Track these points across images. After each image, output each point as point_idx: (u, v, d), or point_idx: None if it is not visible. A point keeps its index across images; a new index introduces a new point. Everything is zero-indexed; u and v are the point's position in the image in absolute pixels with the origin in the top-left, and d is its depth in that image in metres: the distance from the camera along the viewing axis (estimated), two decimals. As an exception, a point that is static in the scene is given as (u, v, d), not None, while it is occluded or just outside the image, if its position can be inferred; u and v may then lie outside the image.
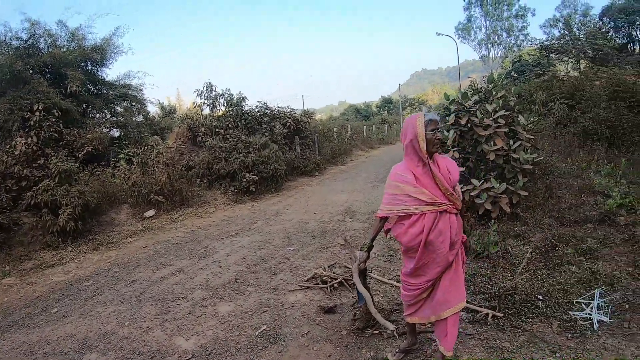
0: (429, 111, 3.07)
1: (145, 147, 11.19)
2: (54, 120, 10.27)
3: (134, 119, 14.36)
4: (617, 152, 10.50)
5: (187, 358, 3.81)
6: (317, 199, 11.05)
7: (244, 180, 11.59)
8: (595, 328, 3.77)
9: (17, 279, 6.64)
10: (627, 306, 4.09)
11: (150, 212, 9.66)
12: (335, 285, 5.11)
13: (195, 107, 15.07)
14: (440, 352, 3.17)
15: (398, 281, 5.02)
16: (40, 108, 10.08)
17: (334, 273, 5.45)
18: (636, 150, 10.54)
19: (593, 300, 4.05)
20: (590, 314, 3.91)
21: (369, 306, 3.44)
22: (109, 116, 13.70)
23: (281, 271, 5.86)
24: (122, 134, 13.40)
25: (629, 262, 4.96)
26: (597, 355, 3.44)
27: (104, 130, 12.96)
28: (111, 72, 42.55)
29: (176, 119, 19.34)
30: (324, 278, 5.26)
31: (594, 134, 11.35)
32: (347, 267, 5.68)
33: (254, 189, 11.64)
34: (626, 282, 4.51)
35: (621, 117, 11.38)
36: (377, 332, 3.96)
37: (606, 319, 3.85)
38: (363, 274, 3.72)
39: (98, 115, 13.47)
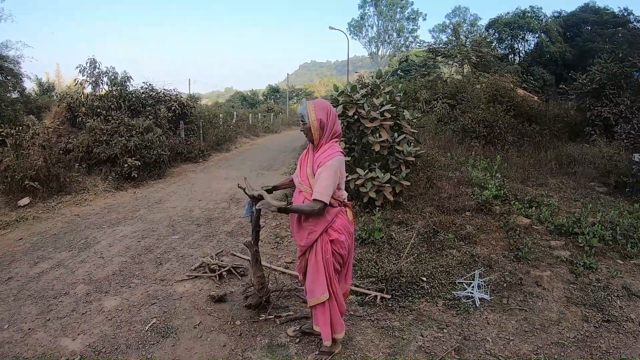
0: (301, 105, 3.30)
1: (20, 128, 10.02)
2: None
3: (8, 95, 12.79)
4: (493, 149, 11.56)
5: (75, 360, 3.52)
6: (202, 186, 10.77)
7: (126, 165, 10.80)
8: (477, 305, 4.17)
9: None
10: (504, 285, 4.58)
11: (25, 200, 8.75)
12: (224, 273, 5.01)
13: (76, 84, 13.67)
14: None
15: (286, 267, 5.15)
16: None
17: (221, 261, 5.36)
18: (510, 148, 11.66)
19: (474, 280, 4.43)
20: (472, 293, 4.28)
21: (265, 198, 3.24)
22: (-20, 90, 12.16)
23: (167, 261, 5.62)
24: (-6, 111, 11.94)
25: (504, 246, 5.51)
26: (481, 329, 3.80)
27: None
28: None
29: (55, 97, 17.52)
30: (211, 267, 5.13)
31: (472, 132, 12.39)
32: (235, 255, 5.66)
33: (136, 175, 10.92)
34: (502, 264, 5.04)
35: (498, 119, 12.53)
36: (270, 317, 3.99)
37: (487, 297, 4.28)
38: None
39: (-32, 89, 11.92)
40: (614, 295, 4.41)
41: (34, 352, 3.64)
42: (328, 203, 3.05)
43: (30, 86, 17.47)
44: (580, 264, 4.94)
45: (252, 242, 3.88)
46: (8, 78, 13.00)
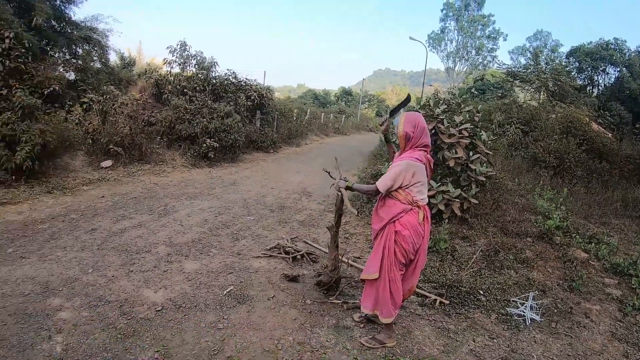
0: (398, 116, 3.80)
1: (107, 96, 10.78)
2: (23, 50, 9.56)
3: (92, 64, 13.58)
4: (561, 181, 11.37)
5: (156, 310, 3.85)
6: (274, 175, 11.19)
7: (204, 145, 11.51)
8: (527, 324, 4.39)
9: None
10: (555, 310, 4.75)
11: (108, 163, 9.46)
12: (298, 257, 5.34)
13: (165, 63, 14.64)
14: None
15: (354, 260, 5.43)
16: (11, 36, 9.35)
17: (296, 246, 5.70)
18: (577, 183, 11.44)
19: (527, 301, 4.64)
20: (524, 312, 4.50)
21: (344, 196, 3.87)
22: (68, 57, 12.90)
23: (243, 238, 6.01)
24: (78, 78, 12.49)
25: (560, 275, 5.64)
26: (528, 346, 4.01)
27: (61, 70, 12.23)
28: (79, 12, 39.93)
29: (134, 72, 18.41)
30: (286, 249, 5.47)
31: (542, 161, 12.21)
32: (307, 243, 6.01)
33: (212, 156, 11.59)
34: (556, 291, 5.19)
35: (570, 152, 12.26)
36: (338, 302, 4.30)
37: (537, 318, 4.48)
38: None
39: (57, 54, 12.65)
40: (656, 339, 4.50)
41: (117, 297, 4.02)
42: (382, 191, 3.53)
43: (113, 59, 18.30)
44: (629, 304, 5.02)
45: (333, 224, 4.28)
46: (95, 49, 13.76)
